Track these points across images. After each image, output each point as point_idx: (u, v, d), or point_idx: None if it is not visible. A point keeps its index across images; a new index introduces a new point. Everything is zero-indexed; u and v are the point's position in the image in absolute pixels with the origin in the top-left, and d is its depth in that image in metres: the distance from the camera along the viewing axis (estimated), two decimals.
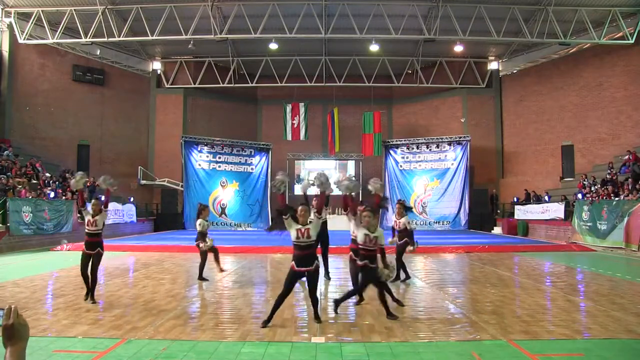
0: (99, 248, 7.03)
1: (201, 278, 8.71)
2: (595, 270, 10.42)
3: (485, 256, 13.07)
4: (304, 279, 8.86)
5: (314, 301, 5.65)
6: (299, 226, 5.52)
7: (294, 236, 5.50)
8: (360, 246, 5.91)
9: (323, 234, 8.98)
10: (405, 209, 8.54)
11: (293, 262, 5.60)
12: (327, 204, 7.45)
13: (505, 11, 19.51)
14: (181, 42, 22.32)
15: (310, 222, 5.59)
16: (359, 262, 5.92)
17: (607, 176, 18.07)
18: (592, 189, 18.05)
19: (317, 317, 5.64)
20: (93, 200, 7.39)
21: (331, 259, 12.14)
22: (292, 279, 5.62)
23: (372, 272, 5.81)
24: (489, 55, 26.08)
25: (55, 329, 5.31)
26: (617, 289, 8.07)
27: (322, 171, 6.13)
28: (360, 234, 5.87)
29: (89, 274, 6.88)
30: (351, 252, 6.91)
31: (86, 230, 7.06)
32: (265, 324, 5.40)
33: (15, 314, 1.53)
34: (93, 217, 7.07)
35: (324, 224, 8.99)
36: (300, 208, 5.62)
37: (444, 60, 26.05)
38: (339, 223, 24.82)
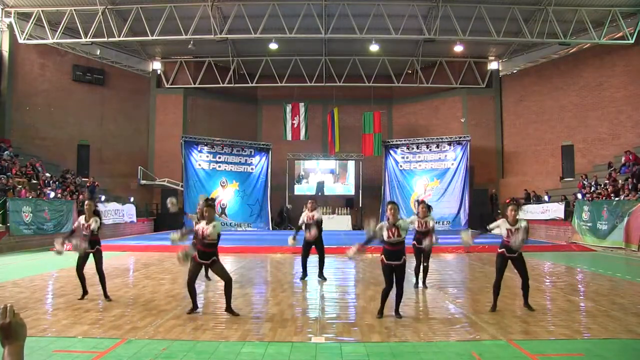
0: (98, 246, 6.99)
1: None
2: (595, 270, 10.42)
3: (485, 256, 13.07)
4: (307, 278, 8.87)
5: (399, 294, 6.00)
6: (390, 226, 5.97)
7: (386, 236, 5.92)
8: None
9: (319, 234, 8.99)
10: (428, 208, 8.40)
11: (383, 256, 6.00)
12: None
13: (505, 11, 19.51)
14: (181, 42, 22.31)
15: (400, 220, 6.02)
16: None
17: (608, 175, 18.06)
18: (592, 189, 18.05)
19: (397, 312, 5.98)
20: (87, 202, 7.20)
21: (331, 259, 12.14)
22: (388, 272, 5.96)
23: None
24: (489, 55, 26.08)
25: (55, 329, 5.31)
26: (617, 289, 8.07)
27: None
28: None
29: (97, 272, 6.92)
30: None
31: (83, 232, 7.00)
32: (381, 314, 5.89)
33: (12, 313, 1.54)
34: (87, 221, 6.96)
35: (320, 225, 8.95)
36: (389, 206, 6.07)
37: (444, 60, 26.04)
38: (338, 223, 24.94)
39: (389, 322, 5.66)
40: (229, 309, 6.08)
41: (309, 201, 9.13)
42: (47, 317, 5.87)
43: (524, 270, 6.35)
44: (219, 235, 6.38)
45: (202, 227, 6.13)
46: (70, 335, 5.05)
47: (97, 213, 7.14)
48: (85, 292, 7.03)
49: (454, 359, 4.36)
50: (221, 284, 8.57)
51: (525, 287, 6.34)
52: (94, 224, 6.95)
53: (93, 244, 6.95)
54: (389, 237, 5.88)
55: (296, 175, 27.25)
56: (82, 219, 7.06)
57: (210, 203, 6.51)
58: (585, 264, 11.37)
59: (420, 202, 8.41)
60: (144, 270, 10.35)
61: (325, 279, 8.89)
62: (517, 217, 6.36)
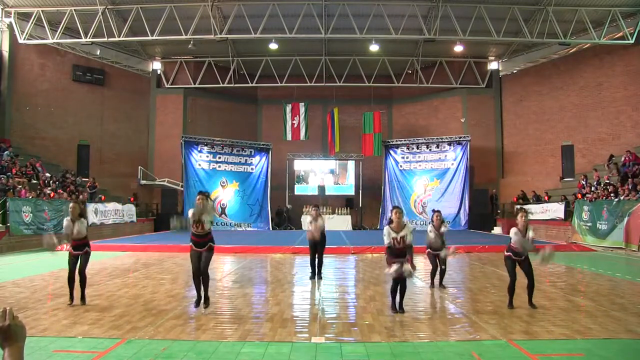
0: (87, 248, 6.84)
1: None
2: (595, 270, 10.42)
3: (485, 256, 13.08)
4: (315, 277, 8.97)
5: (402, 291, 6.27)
6: (394, 234, 6.23)
7: (389, 242, 6.19)
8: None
9: (321, 235, 9.08)
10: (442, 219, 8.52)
11: (387, 256, 6.31)
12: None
13: (505, 11, 19.51)
14: (181, 42, 22.31)
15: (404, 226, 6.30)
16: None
17: (608, 168, 18.09)
18: (592, 188, 18.04)
19: (400, 307, 6.21)
20: (71, 204, 6.93)
21: (331, 259, 12.15)
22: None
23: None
24: (489, 55, 26.08)
25: (55, 329, 5.31)
26: (617, 289, 8.07)
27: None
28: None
29: (78, 274, 6.64)
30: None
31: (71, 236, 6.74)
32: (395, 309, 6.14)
33: (11, 315, 1.55)
34: (73, 222, 6.69)
35: (323, 231, 9.19)
36: (395, 211, 6.33)
37: (444, 60, 26.04)
38: (338, 223, 24.93)
39: (389, 322, 5.67)
40: (205, 299, 6.28)
41: (313, 209, 9.47)
42: (47, 317, 5.87)
43: (530, 272, 6.55)
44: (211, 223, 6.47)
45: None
46: (70, 335, 5.05)
47: (82, 214, 6.89)
48: (72, 298, 6.62)
49: (454, 359, 4.36)
50: (221, 284, 8.60)
51: (530, 287, 6.54)
52: (79, 226, 6.71)
53: (82, 247, 6.78)
54: (394, 244, 6.08)
55: (296, 175, 27.25)
56: (68, 221, 6.77)
57: (204, 193, 6.47)
58: (585, 264, 11.37)
59: (436, 212, 8.52)
60: (144, 270, 10.35)
61: (321, 278, 8.95)
62: (527, 224, 6.60)
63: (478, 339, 4.98)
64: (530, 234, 6.51)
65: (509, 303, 6.52)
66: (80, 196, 18.68)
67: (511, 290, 6.56)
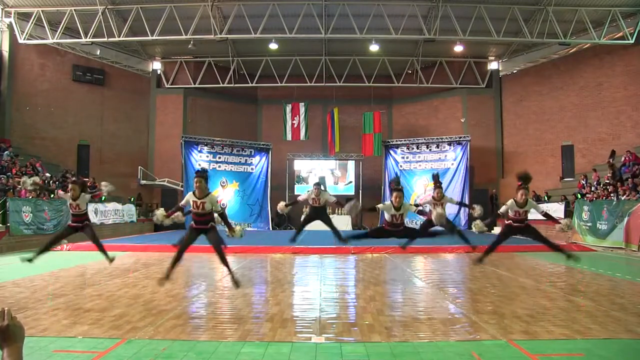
0: (87, 221, 6.92)
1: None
2: (595, 270, 10.42)
3: None
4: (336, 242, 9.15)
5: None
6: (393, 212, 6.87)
7: (389, 218, 6.81)
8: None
9: (321, 215, 9.44)
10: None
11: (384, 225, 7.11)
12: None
13: (505, 11, 19.51)
14: (181, 42, 22.31)
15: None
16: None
17: (610, 164, 18.09)
18: (592, 188, 18.04)
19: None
20: (71, 185, 7.24)
21: (331, 259, 12.16)
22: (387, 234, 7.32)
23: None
24: (489, 55, 26.08)
25: (55, 329, 5.31)
26: (617, 289, 8.06)
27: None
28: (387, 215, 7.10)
29: (93, 242, 7.14)
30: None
31: (71, 212, 6.97)
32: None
33: (10, 315, 1.56)
34: (74, 200, 6.94)
35: (324, 207, 9.66)
36: (396, 194, 6.96)
37: (444, 60, 26.04)
38: (338, 223, 24.87)
39: (389, 322, 5.66)
40: (232, 279, 6.41)
41: (314, 187, 9.66)
42: (47, 317, 5.87)
43: (539, 235, 6.75)
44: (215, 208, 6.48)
45: (196, 200, 6.35)
46: (70, 335, 5.05)
47: (84, 190, 7.11)
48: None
49: (454, 359, 4.35)
50: (221, 284, 8.60)
51: (552, 246, 6.74)
52: (81, 201, 6.90)
53: (82, 222, 6.83)
54: (392, 221, 6.35)
55: (296, 175, 27.24)
56: (67, 197, 6.88)
57: (200, 174, 6.47)
58: (585, 264, 11.37)
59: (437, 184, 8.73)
60: (144, 270, 10.34)
61: (345, 240, 9.18)
62: (527, 198, 6.84)
63: (478, 339, 4.98)
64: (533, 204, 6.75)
65: (479, 259, 6.84)
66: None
67: (491, 248, 6.92)
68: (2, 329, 1.54)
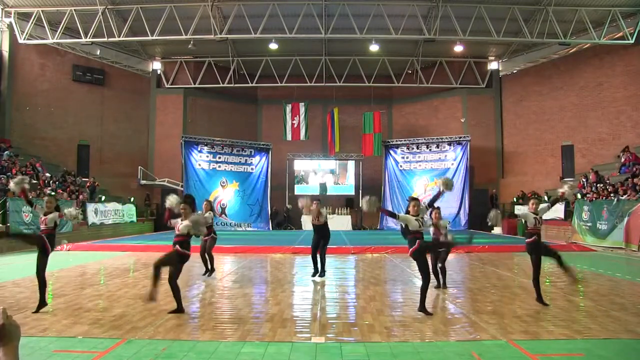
0: (51, 237, 6.45)
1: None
2: (595, 270, 10.42)
3: (485, 256, 13.08)
4: (318, 277, 8.88)
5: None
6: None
7: (417, 225, 6.41)
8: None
9: (324, 233, 9.00)
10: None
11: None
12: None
13: (505, 11, 19.51)
14: (181, 42, 22.31)
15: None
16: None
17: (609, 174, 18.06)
18: (592, 188, 18.03)
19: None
20: (47, 197, 6.86)
21: (331, 259, 12.15)
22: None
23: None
24: (489, 55, 26.08)
25: (55, 329, 5.31)
26: (617, 289, 8.07)
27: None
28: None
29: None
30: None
31: (41, 226, 6.50)
32: None
33: (5, 315, 1.57)
34: (44, 215, 6.49)
35: (325, 224, 9.01)
36: (413, 203, 6.64)
37: (444, 60, 26.04)
38: (338, 223, 24.91)
39: (389, 322, 5.66)
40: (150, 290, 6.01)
41: (314, 203, 8.89)
42: (47, 317, 5.87)
43: (551, 251, 6.87)
44: (190, 234, 6.45)
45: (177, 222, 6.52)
46: (70, 335, 5.05)
47: (57, 208, 6.62)
48: (43, 301, 6.24)
49: (454, 359, 4.35)
50: (221, 284, 8.61)
51: (561, 263, 6.71)
52: (51, 218, 6.43)
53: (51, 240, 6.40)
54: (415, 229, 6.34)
55: (296, 175, 27.24)
56: (41, 211, 6.59)
57: (187, 200, 6.72)
58: (585, 264, 11.37)
59: (435, 209, 8.55)
60: (144, 270, 10.34)
61: (323, 276, 8.84)
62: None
63: (478, 339, 4.98)
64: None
65: (538, 298, 6.56)
66: (81, 196, 18.71)
67: (536, 283, 6.68)
68: None
